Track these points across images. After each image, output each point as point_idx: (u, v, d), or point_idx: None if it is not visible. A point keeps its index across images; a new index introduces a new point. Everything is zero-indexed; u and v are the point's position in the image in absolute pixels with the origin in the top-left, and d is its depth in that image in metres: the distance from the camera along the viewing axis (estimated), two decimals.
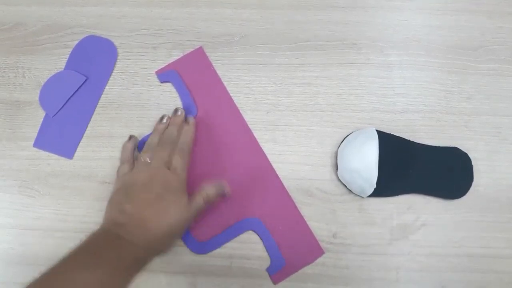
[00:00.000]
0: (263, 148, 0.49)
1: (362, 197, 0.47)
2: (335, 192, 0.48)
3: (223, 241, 0.46)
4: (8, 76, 0.53)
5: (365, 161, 0.45)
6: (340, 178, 0.47)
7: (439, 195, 0.47)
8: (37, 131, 0.51)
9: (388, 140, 0.47)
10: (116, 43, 0.53)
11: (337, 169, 0.48)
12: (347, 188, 0.48)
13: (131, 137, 0.48)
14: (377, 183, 0.45)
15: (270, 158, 0.49)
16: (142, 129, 0.50)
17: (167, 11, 0.54)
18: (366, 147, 0.45)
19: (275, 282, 0.45)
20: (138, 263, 0.39)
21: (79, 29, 0.54)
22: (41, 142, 0.51)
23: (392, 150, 0.46)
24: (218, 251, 0.47)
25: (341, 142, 0.49)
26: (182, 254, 0.47)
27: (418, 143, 0.48)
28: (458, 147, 0.48)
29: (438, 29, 0.53)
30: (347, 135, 0.49)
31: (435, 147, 0.48)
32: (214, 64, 0.52)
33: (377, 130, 0.47)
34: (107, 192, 0.45)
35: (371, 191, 0.45)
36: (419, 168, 0.46)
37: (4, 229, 0.48)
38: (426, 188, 0.47)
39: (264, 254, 0.47)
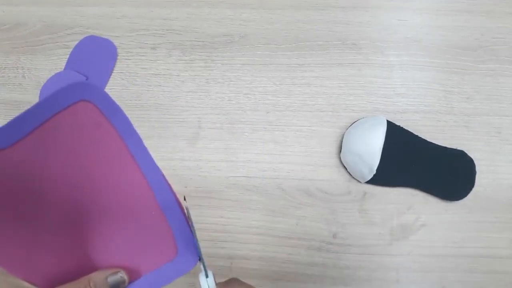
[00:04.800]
0: (262, 148, 0.49)
1: (360, 182, 0.47)
2: (335, 192, 0.48)
3: None
4: (8, 76, 0.53)
5: (369, 146, 0.45)
6: (342, 160, 0.48)
7: (437, 195, 0.47)
8: None
9: (397, 130, 0.47)
10: (116, 43, 0.53)
11: (340, 151, 0.48)
12: (347, 172, 0.48)
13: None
14: (377, 170, 0.45)
15: (270, 158, 0.49)
16: (142, 129, 0.50)
17: (167, 11, 0.54)
18: (373, 132, 0.45)
19: None
20: None
21: (79, 29, 0.54)
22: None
23: (399, 141, 0.46)
24: (218, 251, 0.47)
25: (350, 126, 0.49)
26: None
27: (426, 140, 0.48)
28: (458, 147, 0.48)
29: (438, 29, 0.53)
30: (356, 120, 0.49)
31: (442, 147, 0.48)
32: (213, 64, 0.52)
33: (387, 120, 0.47)
34: None
35: (370, 176, 0.46)
36: (422, 164, 0.46)
37: None
38: (426, 185, 0.47)
39: (265, 254, 0.47)
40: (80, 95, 0.28)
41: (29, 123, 0.27)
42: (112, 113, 0.28)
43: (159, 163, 0.28)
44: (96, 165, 0.28)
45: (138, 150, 0.28)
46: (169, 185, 0.29)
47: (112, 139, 0.28)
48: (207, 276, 0.30)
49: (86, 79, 0.52)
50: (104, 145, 0.28)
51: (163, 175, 0.28)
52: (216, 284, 0.30)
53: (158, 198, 0.29)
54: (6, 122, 0.25)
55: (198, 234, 0.29)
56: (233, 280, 0.31)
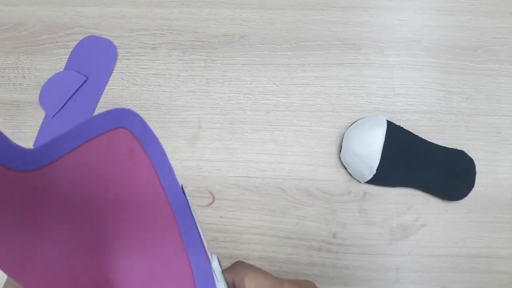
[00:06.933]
0: (262, 148, 0.49)
1: (360, 182, 0.47)
2: (335, 192, 0.48)
3: None
4: (8, 76, 0.53)
5: (369, 146, 0.45)
6: (342, 160, 0.48)
7: (437, 195, 0.47)
8: (37, 131, 0.51)
9: (396, 131, 0.47)
10: (116, 43, 0.53)
11: (340, 151, 0.48)
12: (347, 172, 0.48)
13: None
14: (377, 170, 0.45)
15: (270, 158, 0.49)
16: None
17: (167, 11, 0.54)
18: (373, 132, 0.45)
19: None
20: None
21: (79, 29, 0.54)
22: (41, 143, 0.51)
23: (398, 141, 0.46)
24: (218, 251, 0.47)
25: (350, 126, 0.49)
26: None
27: (426, 140, 0.48)
28: (458, 147, 0.48)
29: (438, 29, 0.53)
30: (356, 120, 0.49)
31: (442, 147, 0.48)
32: (213, 64, 0.52)
33: (387, 120, 0.47)
34: None
35: (370, 177, 0.46)
36: (422, 164, 0.46)
37: None
38: (425, 185, 0.47)
39: (265, 254, 0.47)
40: (120, 122, 0.27)
41: (67, 144, 0.26)
42: (148, 142, 0.27)
43: None
44: (125, 193, 0.27)
45: (169, 182, 0.28)
46: (195, 221, 0.28)
47: (144, 168, 0.27)
48: (209, 261, 0.28)
49: (86, 79, 0.52)
50: (136, 174, 0.27)
51: (190, 210, 0.28)
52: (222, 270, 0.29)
53: (183, 232, 0.28)
54: (45, 142, 0.25)
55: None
56: (237, 263, 0.31)
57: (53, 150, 0.25)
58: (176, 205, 0.28)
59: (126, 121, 0.27)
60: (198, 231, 0.28)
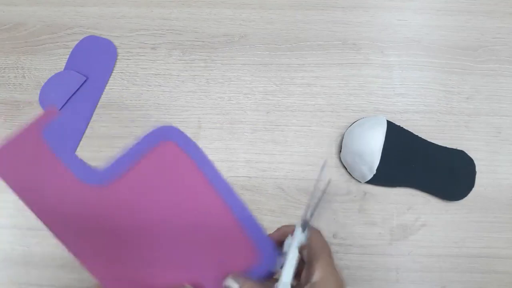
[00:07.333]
0: (262, 148, 0.49)
1: (360, 182, 0.47)
2: (335, 192, 0.48)
3: None
4: (8, 76, 0.53)
5: (369, 146, 0.45)
6: (342, 160, 0.48)
7: (437, 195, 0.47)
8: None
9: (396, 131, 0.47)
10: (116, 43, 0.53)
11: (340, 151, 0.48)
12: (347, 172, 0.48)
13: None
14: (377, 170, 0.45)
15: (270, 158, 0.49)
16: (141, 130, 0.50)
17: (167, 11, 0.54)
18: (373, 132, 0.45)
19: None
20: None
21: (79, 29, 0.54)
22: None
23: (398, 141, 0.46)
24: None
25: (350, 126, 0.49)
26: None
27: (426, 140, 0.48)
28: (458, 147, 0.48)
29: (438, 29, 0.53)
30: (356, 120, 0.49)
31: (442, 147, 0.48)
32: (213, 64, 0.52)
33: (387, 120, 0.47)
34: None
35: (370, 176, 0.46)
36: (422, 164, 0.46)
37: (5, 229, 0.48)
38: (426, 185, 0.47)
39: None
40: (165, 137, 0.33)
41: (125, 164, 0.32)
42: (190, 148, 0.33)
43: None
44: (180, 194, 0.33)
45: (213, 176, 0.33)
46: (241, 200, 0.33)
47: (192, 170, 0.33)
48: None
49: (86, 79, 0.52)
50: (186, 176, 0.33)
51: (236, 193, 0.33)
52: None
53: (235, 213, 0.33)
54: (108, 164, 0.31)
55: None
56: (316, 238, 0.34)
57: (117, 169, 0.32)
58: (223, 192, 0.33)
59: (170, 135, 0.33)
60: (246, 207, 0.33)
